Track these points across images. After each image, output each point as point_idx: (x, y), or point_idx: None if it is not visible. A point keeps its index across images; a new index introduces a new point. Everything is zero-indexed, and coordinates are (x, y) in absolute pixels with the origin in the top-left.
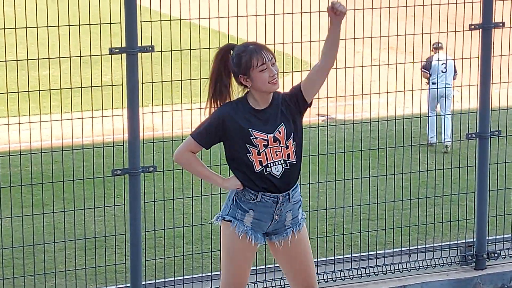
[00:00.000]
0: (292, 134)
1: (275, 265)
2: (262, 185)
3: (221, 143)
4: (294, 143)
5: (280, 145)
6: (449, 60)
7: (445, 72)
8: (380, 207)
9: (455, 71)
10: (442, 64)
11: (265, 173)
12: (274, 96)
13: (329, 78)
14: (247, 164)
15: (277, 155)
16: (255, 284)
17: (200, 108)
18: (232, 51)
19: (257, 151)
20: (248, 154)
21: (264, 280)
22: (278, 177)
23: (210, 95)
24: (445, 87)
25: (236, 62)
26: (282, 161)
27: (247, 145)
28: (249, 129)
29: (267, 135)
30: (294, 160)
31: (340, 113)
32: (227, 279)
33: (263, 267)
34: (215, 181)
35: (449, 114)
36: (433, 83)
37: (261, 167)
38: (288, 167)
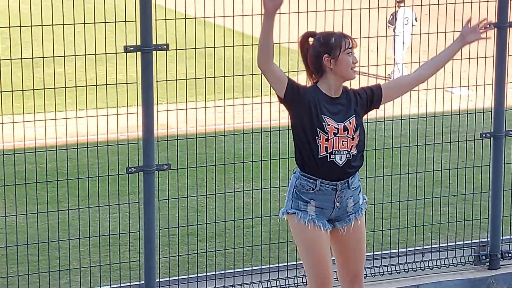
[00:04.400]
0: (359, 128)
1: (280, 265)
2: (322, 171)
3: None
4: (359, 136)
5: (348, 135)
6: (409, 13)
7: (407, 24)
8: (394, 206)
9: (415, 19)
10: (404, 18)
11: (328, 160)
12: (343, 88)
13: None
14: (312, 147)
15: (343, 144)
16: (260, 284)
17: (215, 106)
18: (311, 37)
19: (326, 137)
20: (316, 138)
21: (269, 280)
22: (341, 165)
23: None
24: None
25: (323, 42)
26: (346, 152)
27: (318, 129)
28: (323, 116)
29: (338, 124)
30: (355, 152)
31: None
32: (312, 271)
33: (267, 266)
34: (264, 23)
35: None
36: (398, 34)
37: (325, 153)
38: (351, 157)
